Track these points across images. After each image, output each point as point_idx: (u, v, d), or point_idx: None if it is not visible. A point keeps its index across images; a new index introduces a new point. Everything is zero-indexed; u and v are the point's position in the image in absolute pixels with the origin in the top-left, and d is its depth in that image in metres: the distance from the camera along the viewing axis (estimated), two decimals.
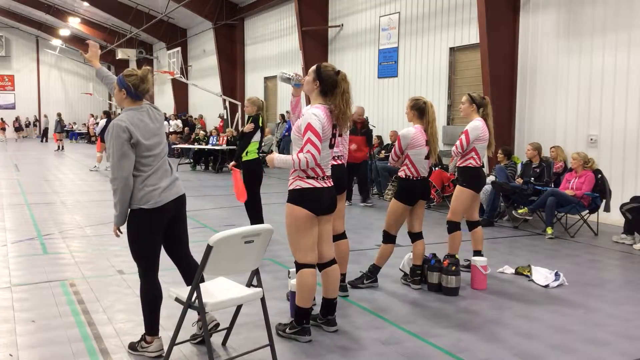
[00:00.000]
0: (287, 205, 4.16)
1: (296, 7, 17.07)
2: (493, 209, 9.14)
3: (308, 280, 4.18)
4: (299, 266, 4.20)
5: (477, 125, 5.90)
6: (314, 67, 4.24)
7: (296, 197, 4.11)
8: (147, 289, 3.86)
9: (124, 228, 3.87)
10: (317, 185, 4.11)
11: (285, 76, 4.65)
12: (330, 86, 4.14)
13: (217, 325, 4.14)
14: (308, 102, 4.45)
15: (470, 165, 5.95)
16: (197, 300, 3.52)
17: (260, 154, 7.73)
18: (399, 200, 5.47)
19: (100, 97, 38.85)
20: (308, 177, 4.10)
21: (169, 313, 4.37)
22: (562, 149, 9.67)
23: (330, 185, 4.23)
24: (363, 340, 4.30)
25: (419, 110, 5.43)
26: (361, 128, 10.55)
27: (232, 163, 7.86)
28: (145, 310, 3.91)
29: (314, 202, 4.10)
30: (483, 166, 6.17)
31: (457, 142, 5.92)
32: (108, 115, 18.65)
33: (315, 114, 4.04)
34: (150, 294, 3.86)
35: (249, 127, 7.51)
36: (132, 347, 4.02)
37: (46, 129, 34.50)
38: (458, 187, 6.04)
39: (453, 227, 5.98)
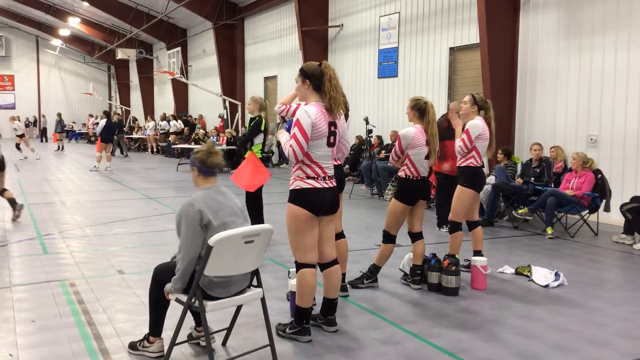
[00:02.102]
0: (288, 205, 4.18)
1: (296, 7, 17.07)
2: (493, 209, 9.14)
3: (308, 280, 4.18)
4: (299, 266, 4.21)
5: (476, 124, 5.89)
6: (298, 72, 4.30)
7: (296, 197, 4.13)
8: (155, 289, 3.85)
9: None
10: (317, 185, 4.12)
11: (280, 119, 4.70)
12: (318, 78, 4.17)
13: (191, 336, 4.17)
14: None
15: (471, 165, 5.93)
16: (197, 301, 3.53)
17: (263, 154, 7.71)
18: (399, 200, 5.47)
19: (100, 97, 38.85)
20: (308, 177, 4.11)
21: (169, 313, 4.35)
22: (562, 149, 9.67)
23: (332, 185, 4.23)
24: (363, 340, 4.30)
25: (420, 110, 5.43)
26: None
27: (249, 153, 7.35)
28: (151, 310, 3.92)
29: (313, 202, 4.10)
30: (483, 166, 6.16)
31: (460, 143, 5.88)
32: (108, 115, 18.57)
33: (306, 110, 4.06)
34: (157, 293, 3.84)
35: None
36: (133, 346, 4.03)
37: (45, 129, 34.49)
38: (459, 187, 6.02)
39: (454, 227, 5.97)
